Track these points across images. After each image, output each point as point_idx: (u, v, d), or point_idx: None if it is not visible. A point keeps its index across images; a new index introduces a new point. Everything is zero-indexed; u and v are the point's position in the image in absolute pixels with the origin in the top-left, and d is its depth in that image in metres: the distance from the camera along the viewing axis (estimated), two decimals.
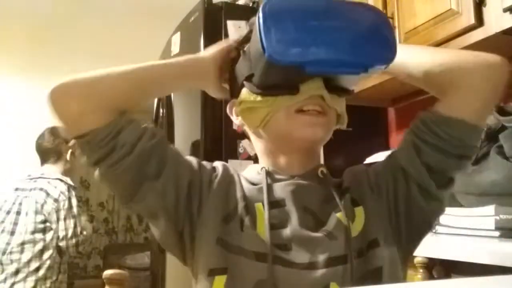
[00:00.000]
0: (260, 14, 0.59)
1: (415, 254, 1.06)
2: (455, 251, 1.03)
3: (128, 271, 1.26)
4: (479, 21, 1.23)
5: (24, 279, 1.88)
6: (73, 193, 2.07)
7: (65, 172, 2.18)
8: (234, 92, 0.72)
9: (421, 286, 0.51)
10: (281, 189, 0.68)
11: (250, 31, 0.67)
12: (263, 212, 0.65)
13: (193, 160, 0.71)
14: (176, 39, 2.13)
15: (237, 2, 2.36)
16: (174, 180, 0.65)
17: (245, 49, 0.69)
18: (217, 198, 0.67)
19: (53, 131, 2.25)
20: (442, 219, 1.28)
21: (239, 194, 0.68)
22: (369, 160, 1.78)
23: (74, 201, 2.03)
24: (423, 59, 0.69)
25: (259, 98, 0.66)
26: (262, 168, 0.70)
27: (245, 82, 0.68)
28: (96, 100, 0.62)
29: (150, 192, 0.64)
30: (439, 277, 1.09)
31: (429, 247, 1.10)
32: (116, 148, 0.62)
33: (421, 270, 1.04)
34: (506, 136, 1.18)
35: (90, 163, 0.64)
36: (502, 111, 1.25)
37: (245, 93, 0.68)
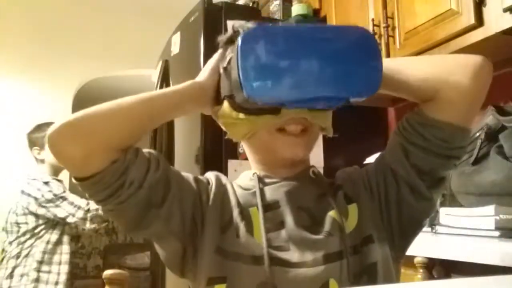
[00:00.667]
0: (239, 50, 0.58)
1: (415, 254, 1.06)
2: (455, 251, 1.03)
3: (128, 271, 1.26)
4: (479, 21, 1.23)
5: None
6: (53, 185, 2.11)
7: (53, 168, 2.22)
8: (218, 100, 0.72)
9: (421, 286, 0.51)
10: (274, 191, 0.69)
11: (234, 33, 0.68)
12: (258, 216, 0.66)
13: (190, 177, 0.70)
14: (176, 39, 2.13)
15: (237, 2, 2.36)
16: (178, 204, 0.65)
17: (225, 66, 0.68)
18: (214, 211, 0.67)
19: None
20: (442, 219, 1.28)
21: (233, 202, 0.68)
22: (369, 160, 1.78)
23: (56, 190, 2.08)
24: (405, 75, 0.67)
25: (241, 115, 0.66)
26: (254, 174, 0.70)
27: (226, 99, 0.68)
28: (98, 143, 0.60)
29: (156, 219, 0.64)
30: (439, 277, 1.09)
31: (429, 247, 1.10)
32: (125, 185, 0.61)
33: (421, 270, 1.04)
34: (506, 136, 1.18)
35: (96, 201, 0.63)
36: (502, 111, 1.25)
37: (227, 107, 0.68)
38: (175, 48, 2.13)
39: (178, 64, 2.13)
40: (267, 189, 0.69)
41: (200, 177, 0.72)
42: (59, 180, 2.21)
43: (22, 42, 3.15)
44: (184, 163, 2.02)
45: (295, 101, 0.60)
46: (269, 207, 0.67)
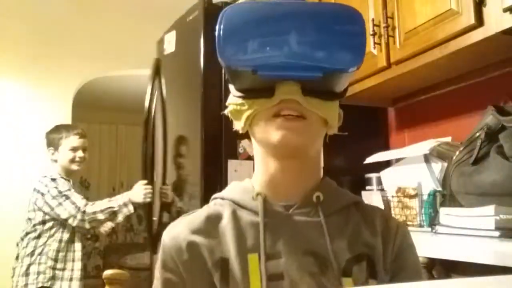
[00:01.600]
0: (218, 22, 0.60)
1: None
2: (455, 251, 1.03)
3: (128, 271, 1.26)
4: (479, 21, 1.23)
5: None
6: (59, 182, 2.22)
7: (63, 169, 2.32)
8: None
9: (421, 286, 0.50)
10: (275, 235, 0.64)
11: None
12: (257, 265, 0.62)
13: (171, 279, 0.67)
14: (171, 37, 2.11)
15: (237, 2, 2.36)
16: None
17: None
18: (199, 280, 0.64)
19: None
20: (442, 219, 1.28)
21: (230, 243, 0.64)
22: (369, 160, 1.79)
23: (61, 187, 2.18)
24: None
25: (240, 100, 0.66)
26: (257, 195, 0.67)
27: (229, 85, 0.68)
28: None
29: None
30: (439, 277, 1.09)
31: (429, 247, 1.10)
32: None
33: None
34: (506, 136, 1.18)
35: None
36: (502, 111, 1.25)
37: (230, 95, 0.69)
38: (170, 47, 2.12)
39: (174, 63, 2.12)
40: (269, 226, 0.64)
41: (170, 263, 0.67)
42: (67, 180, 2.29)
43: (22, 42, 3.15)
44: (185, 163, 2.02)
45: (265, 66, 0.59)
46: (270, 256, 0.63)
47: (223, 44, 0.59)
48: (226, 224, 0.66)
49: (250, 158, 1.77)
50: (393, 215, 0.74)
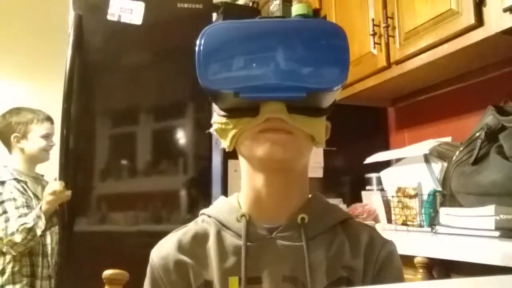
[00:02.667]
0: (197, 42, 0.59)
1: (415, 254, 1.06)
2: (455, 251, 1.03)
3: None
4: (479, 21, 1.23)
5: None
6: (7, 187, 1.85)
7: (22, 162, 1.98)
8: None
9: (421, 286, 0.50)
10: (257, 260, 0.64)
11: None
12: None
13: None
14: (135, 6, 1.89)
15: (237, 2, 2.36)
16: None
17: None
18: None
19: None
20: (442, 219, 1.28)
21: (214, 264, 0.65)
22: (369, 160, 1.79)
23: (4, 195, 1.82)
24: None
25: (224, 120, 0.65)
26: (242, 217, 0.66)
27: (213, 104, 0.67)
28: None
29: None
30: (439, 277, 1.09)
31: (429, 247, 1.11)
32: None
33: (421, 270, 1.04)
34: (506, 136, 1.18)
35: None
36: (502, 111, 1.25)
37: (215, 114, 0.68)
38: (130, 17, 1.86)
39: (140, 41, 1.99)
40: (251, 251, 0.64)
41: (159, 280, 0.67)
42: (22, 180, 1.92)
43: (22, 42, 3.15)
44: (186, 163, 2.02)
45: (247, 88, 0.58)
46: (251, 281, 0.63)
47: (203, 67, 0.58)
48: (211, 244, 0.66)
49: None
50: (381, 235, 0.72)
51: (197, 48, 0.59)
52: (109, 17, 1.88)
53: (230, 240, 0.66)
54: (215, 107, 0.67)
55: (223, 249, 0.65)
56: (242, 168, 0.70)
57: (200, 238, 0.68)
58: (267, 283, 0.63)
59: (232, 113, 0.64)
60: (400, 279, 0.69)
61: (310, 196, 0.71)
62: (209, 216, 0.70)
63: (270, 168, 0.65)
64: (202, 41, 0.59)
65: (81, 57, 1.90)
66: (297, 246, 0.64)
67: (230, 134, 0.65)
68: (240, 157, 0.70)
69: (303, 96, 0.58)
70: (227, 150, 0.68)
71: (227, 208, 0.70)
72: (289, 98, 0.59)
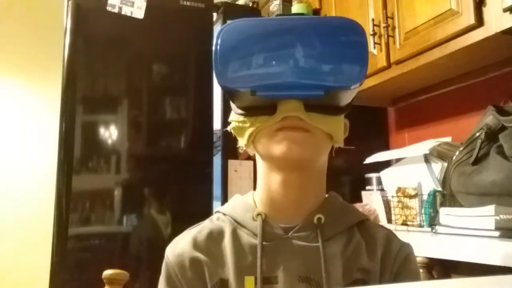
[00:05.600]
0: (215, 41, 0.58)
1: (415, 254, 1.06)
2: (455, 251, 1.03)
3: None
4: (479, 21, 1.23)
5: None
6: None
7: None
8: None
9: (421, 286, 0.51)
10: (273, 260, 0.63)
11: None
12: (253, 287, 0.62)
13: None
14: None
15: (237, 2, 2.36)
16: None
17: None
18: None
19: None
20: (442, 219, 1.28)
21: (229, 263, 0.64)
22: (369, 160, 1.79)
23: None
24: None
25: (241, 118, 0.65)
26: (258, 215, 0.66)
27: (230, 102, 0.67)
28: None
29: None
30: (439, 277, 1.09)
31: (429, 247, 1.11)
32: None
33: (421, 270, 1.04)
34: (506, 136, 1.18)
35: None
36: (502, 111, 1.25)
37: (232, 111, 0.68)
38: (131, 10, 1.81)
39: (140, 29, 1.92)
40: (267, 250, 0.64)
41: (175, 278, 0.67)
42: None
43: (21, 42, 3.15)
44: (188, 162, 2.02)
45: (263, 87, 0.58)
46: (267, 280, 0.62)
47: (220, 65, 0.58)
48: (227, 243, 0.66)
49: (250, 158, 1.77)
50: (398, 237, 0.71)
51: (213, 47, 0.59)
52: (108, 8, 1.83)
53: (246, 238, 0.66)
54: (232, 105, 0.67)
55: (239, 248, 0.65)
56: (259, 167, 0.70)
57: (215, 236, 0.67)
58: (283, 283, 0.62)
59: (249, 111, 0.64)
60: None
61: (326, 196, 0.70)
62: (224, 214, 0.70)
63: (287, 167, 0.64)
64: (219, 40, 0.59)
65: (79, 46, 1.84)
66: (313, 246, 0.63)
67: (247, 133, 0.65)
68: (256, 156, 0.69)
69: (321, 95, 0.57)
70: (244, 148, 0.68)
71: (243, 206, 0.70)
72: (306, 96, 0.59)
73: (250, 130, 0.64)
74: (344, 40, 0.58)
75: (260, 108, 0.62)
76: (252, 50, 0.58)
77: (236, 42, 0.59)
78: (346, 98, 0.63)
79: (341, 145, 0.68)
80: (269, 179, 0.66)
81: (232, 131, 0.68)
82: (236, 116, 0.66)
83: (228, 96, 0.64)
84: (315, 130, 0.62)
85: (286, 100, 0.60)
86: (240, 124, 0.65)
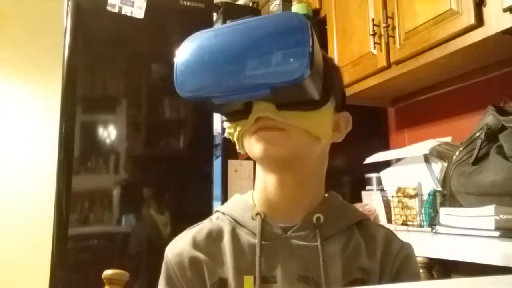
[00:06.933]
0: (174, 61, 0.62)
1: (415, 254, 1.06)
2: (455, 251, 1.03)
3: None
4: (479, 21, 1.23)
5: None
6: None
7: None
8: None
9: (421, 286, 0.50)
10: (272, 259, 0.64)
11: None
12: (252, 287, 0.62)
13: None
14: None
15: (237, 2, 2.36)
16: None
17: None
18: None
19: None
20: (442, 219, 1.28)
21: (229, 263, 0.64)
22: (369, 160, 1.79)
23: None
24: None
25: (227, 124, 0.68)
26: (257, 215, 0.66)
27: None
28: None
29: None
30: (439, 277, 1.09)
31: (429, 247, 1.11)
32: None
33: (421, 270, 1.04)
34: (506, 136, 1.18)
35: None
36: (502, 111, 1.25)
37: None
38: (131, 9, 1.84)
39: (140, 29, 1.95)
40: (266, 249, 0.64)
41: (174, 277, 0.67)
42: None
43: (21, 42, 3.15)
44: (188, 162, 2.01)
45: (218, 93, 0.60)
46: (265, 280, 0.63)
47: (179, 80, 0.61)
48: (226, 242, 0.66)
49: (250, 158, 1.77)
50: (398, 237, 0.71)
51: (175, 60, 0.62)
52: (108, 8, 1.85)
53: (245, 238, 0.66)
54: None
55: (238, 247, 0.65)
56: (256, 167, 0.71)
57: (215, 236, 0.68)
58: (282, 282, 0.62)
59: (229, 116, 0.66)
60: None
61: (326, 195, 0.70)
62: (224, 214, 0.70)
63: (275, 167, 0.65)
64: (177, 56, 0.62)
65: (79, 46, 1.85)
66: (312, 246, 0.64)
67: (235, 137, 0.67)
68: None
69: (267, 93, 0.57)
70: (241, 152, 0.70)
71: (242, 206, 0.70)
72: (254, 97, 0.60)
73: (236, 134, 0.66)
74: (279, 36, 0.58)
75: (237, 113, 0.64)
76: (203, 59, 0.60)
77: (189, 55, 0.62)
78: (311, 91, 0.60)
79: (336, 140, 0.69)
80: (264, 179, 0.67)
81: (230, 137, 0.70)
82: (225, 123, 0.68)
83: (209, 107, 0.65)
84: (290, 128, 0.62)
85: (258, 102, 0.61)
86: (229, 130, 0.68)
